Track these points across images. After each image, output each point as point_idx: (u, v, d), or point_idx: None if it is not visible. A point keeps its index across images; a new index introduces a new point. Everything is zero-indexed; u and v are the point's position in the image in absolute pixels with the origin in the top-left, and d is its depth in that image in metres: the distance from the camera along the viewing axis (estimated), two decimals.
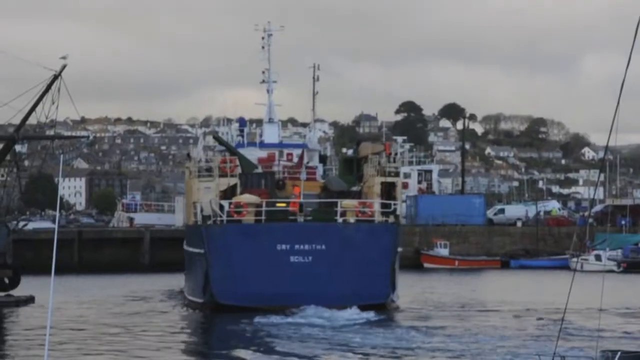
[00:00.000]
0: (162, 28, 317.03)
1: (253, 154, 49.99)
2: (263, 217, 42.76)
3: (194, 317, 43.08)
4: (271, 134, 52.52)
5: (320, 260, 42.07)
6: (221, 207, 43.61)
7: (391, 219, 44.36)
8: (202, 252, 43.55)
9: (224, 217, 43.04)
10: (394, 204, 44.89)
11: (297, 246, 42.24)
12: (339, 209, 43.14)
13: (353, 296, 41.87)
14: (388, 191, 46.72)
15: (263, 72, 53.21)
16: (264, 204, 42.87)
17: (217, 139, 52.21)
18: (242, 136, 52.86)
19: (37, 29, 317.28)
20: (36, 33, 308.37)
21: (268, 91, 53.47)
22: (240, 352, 31.41)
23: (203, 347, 35.32)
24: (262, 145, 51.19)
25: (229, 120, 56.81)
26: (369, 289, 42.41)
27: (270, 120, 53.34)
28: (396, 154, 49.06)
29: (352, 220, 43.29)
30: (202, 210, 44.54)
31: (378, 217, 43.91)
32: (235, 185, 46.09)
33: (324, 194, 45.79)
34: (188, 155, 54.77)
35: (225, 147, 50.27)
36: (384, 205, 44.49)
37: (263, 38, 53.01)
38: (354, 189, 47.00)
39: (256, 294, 41.93)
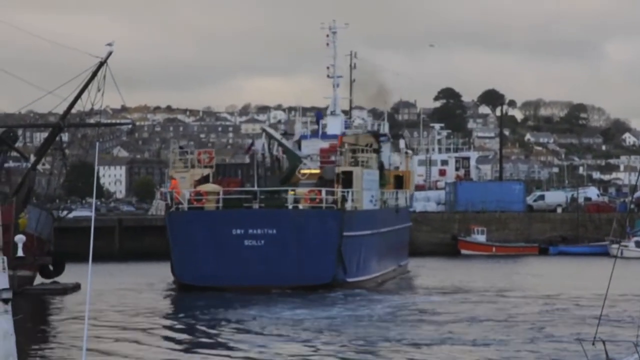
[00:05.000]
0: (194, 20, 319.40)
1: (315, 145, 52.95)
2: (220, 205, 46.21)
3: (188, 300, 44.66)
4: (334, 126, 55.70)
5: (271, 244, 45.52)
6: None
7: (338, 206, 46.69)
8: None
9: (185, 205, 46.29)
10: (342, 192, 47.12)
11: (250, 231, 45.77)
12: (289, 197, 46.47)
13: (301, 276, 45.20)
14: (348, 180, 48.76)
15: (328, 68, 56.83)
16: (221, 192, 46.36)
17: (265, 131, 54.50)
18: (311, 128, 55.90)
19: (70, 22, 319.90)
20: (69, 26, 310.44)
21: (333, 85, 56.97)
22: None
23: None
24: (325, 136, 54.07)
25: (300, 110, 61.89)
26: (315, 270, 45.41)
27: (333, 113, 56.54)
28: (348, 145, 51.07)
29: (300, 207, 46.41)
30: (171, 199, 47.54)
31: (329, 204, 46.28)
32: (208, 176, 49.19)
33: (319, 181, 48.98)
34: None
35: (275, 140, 52.43)
36: (329, 193, 46.90)
37: (327, 36, 56.43)
38: None
39: (213, 274, 45.54)
